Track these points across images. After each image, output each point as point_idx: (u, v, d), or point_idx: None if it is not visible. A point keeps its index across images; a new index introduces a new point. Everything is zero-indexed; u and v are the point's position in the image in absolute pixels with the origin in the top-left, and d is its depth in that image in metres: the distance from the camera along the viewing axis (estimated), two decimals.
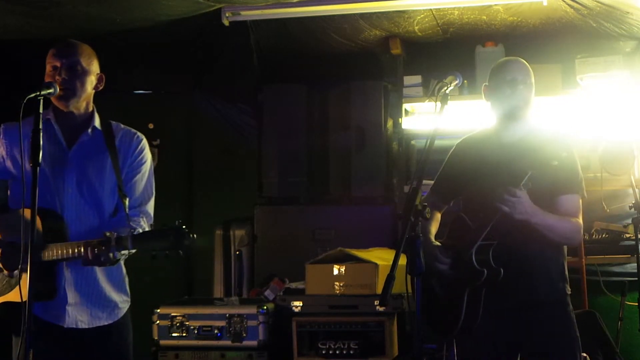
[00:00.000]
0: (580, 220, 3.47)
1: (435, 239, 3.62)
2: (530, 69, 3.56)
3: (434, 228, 3.65)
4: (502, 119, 3.56)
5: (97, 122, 3.43)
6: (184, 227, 3.11)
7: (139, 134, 3.53)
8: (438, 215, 3.73)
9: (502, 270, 3.34)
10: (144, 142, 3.52)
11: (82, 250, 3.13)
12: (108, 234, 3.13)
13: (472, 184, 3.55)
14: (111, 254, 3.13)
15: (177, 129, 6.42)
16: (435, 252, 3.49)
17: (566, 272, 3.54)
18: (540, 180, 3.31)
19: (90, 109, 3.43)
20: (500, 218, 3.31)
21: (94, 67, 3.40)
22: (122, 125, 3.51)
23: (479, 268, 3.36)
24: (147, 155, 3.52)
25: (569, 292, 3.53)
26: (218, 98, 6.27)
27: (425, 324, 3.49)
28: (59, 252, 3.18)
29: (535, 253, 3.44)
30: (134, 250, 3.20)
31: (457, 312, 3.43)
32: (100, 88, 3.44)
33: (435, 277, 3.54)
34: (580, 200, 3.48)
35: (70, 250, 3.17)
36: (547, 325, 3.44)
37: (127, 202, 3.34)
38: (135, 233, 3.18)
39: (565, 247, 3.56)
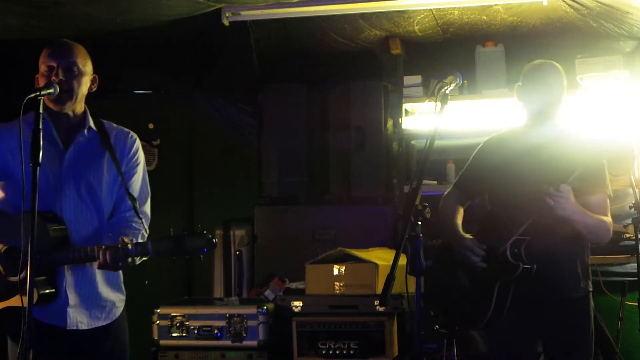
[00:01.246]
0: (610, 219, 3.61)
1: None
2: (561, 71, 3.65)
3: (460, 221, 3.75)
4: (534, 118, 3.66)
5: (91, 122, 3.40)
6: (204, 232, 3.13)
7: (132, 133, 3.50)
8: (462, 210, 3.81)
9: (535, 266, 3.47)
10: (138, 141, 3.50)
11: (101, 254, 3.13)
12: (127, 239, 3.13)
13: (506, 181, 3.62)
14: (130, 259, 3.14)
15: (177, 129, 6.42)
16: (469, 243, 3.60)
17: (590, 271, 3.70)
18: (578, 179, 3.42)
19: (83, 109, 3.41)
20: (541, 213, 3.42)
21: (89, 68, 3.37)
22: (115, 125, 3.49)
23: (513, 262, 3.48)
24: (142, 154, 3.51)
25: (591, 290, 3.68)
26: (218, 98, 6.28)
27: (446, 316, 3.80)
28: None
29: (564, 251, 3.58)
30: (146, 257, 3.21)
31: (486, 305, 3.54)
32: (94, 89, 3.41)
33: (462, 269, 3.66)
34: (608, 200, 3.62)
35: (91, 254, 3.17)
36: (569, 320, 3.58)
37: (136, 203, 3.35)
38: (154, 238, 3.17)
39: (589, 247, 3.71)
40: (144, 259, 3.21)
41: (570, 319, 3.59)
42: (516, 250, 3.49)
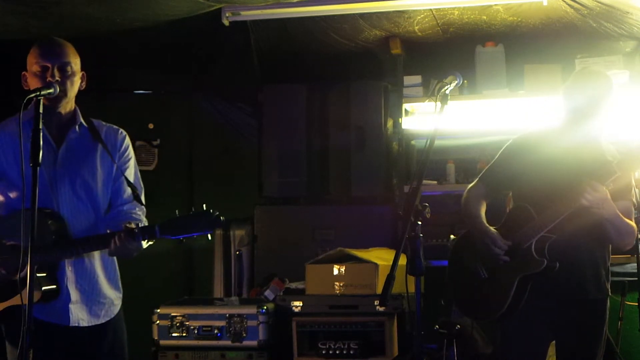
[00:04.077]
0: (635, 225, 3.63)
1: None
2: (612, 84, 3.65)
3: (484, 214, 3.75)
4: (574, 119, 3.65)
5: (81, 119, 3.43)
6: (211, 210, 3.15)
7: (121, 129, 3.54)
8: (485, 204, 3.81)
9: (557, 264, 3.50)
10: (128, 137, 3.54)
11: (107, 241, 3.16)
12: (133, 224, 3.16)
13: (542, 178, 3.62)
14: (137, 244, 3.17)
15: (177, 129, 6.42)
16: (493, 235, 3.61)
17: (610, 273, 3.71)
18: (614, 182, 3.45)
19: (74, 107, 3.43)
20: (574, 211, 3.44)
21: (79, 67, 3.39)
22: (104, 122, 3.52)
23: (538, 258, 3.51)
24: (132, 150, 3.54)
25: (610, 294, 3.70)
26: (218, 98, 6.28)
27: (460, 306, 3.90)
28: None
29: (589, 253, 3.61)
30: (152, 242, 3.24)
31: (503, 298, 3.58)
32: (83, 87, 3.43)
33: (481, 260, 3.69)
34: (632, 208, 3.66)
35: (94, 243, 3.21)
36: (587, 321, 3.62)
37: (137, 191, 3.39)
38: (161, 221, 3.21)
39: (610, 250, 3.72)
40: (150, 243, 3.24)
41: (589, 319, 3.63)
42: (540, 247, 3.52)
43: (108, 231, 3.22)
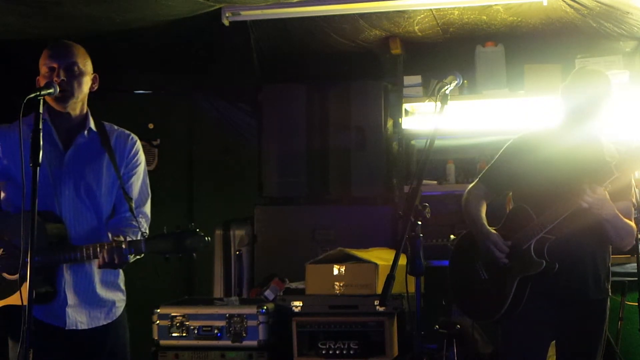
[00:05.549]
0: (635, 226, 3.64)
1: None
2: (610, 83, 3.63)
3: (484, 215, 3.75)
4: (573, 120, 3.64)
5: (92, 123, 3.42)
6: (197, 230, 3.16)
7: (132, 135, 3.53)
8: (485, 205, 3.81)
9: (557, 265, 3.50)
10: (139, 143, 3.53)
11: (98, 252, 3.16)
12: (121, 237, 3.15)
13: (540, 179, 3.62)
14: (124, 257, 3.16)
15: (177, 129, 6.42)
16: (494, 238, 3.61)
17: (610, 273, 3.71)
18: (612, 184, 3.45)
19: (85, 110, 3.42)
20: (573, 213, 3.44)
21: (89, 68, 3.40)
22: (116, 127, 3.52)
23: (537, 259, 3.51)
24: (142, 156, 3.53)
25: (610, 294, 3.70)
26: (218, 98, 6.28)
27: (460, 307, 3.92)
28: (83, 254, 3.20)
29: (588, 253, 3.60)
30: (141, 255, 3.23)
31: (503, 298, 3.59)
32: (95, 88, 3.43)
33: (482, 261, 3.70)
34: (632, 208, 3.65)
35: (86, 253, 3.19)
36: (587, 322, 3.63)
37: (132, 203, 3.37)
38: (148, 236, 3.21)
39: (610, 250, 3.72)
40: (138, 257, 3.23)
41: (589, 320, 3.63)
42: (540, 248, 3.52)
43: (110, 234, 3.23)
